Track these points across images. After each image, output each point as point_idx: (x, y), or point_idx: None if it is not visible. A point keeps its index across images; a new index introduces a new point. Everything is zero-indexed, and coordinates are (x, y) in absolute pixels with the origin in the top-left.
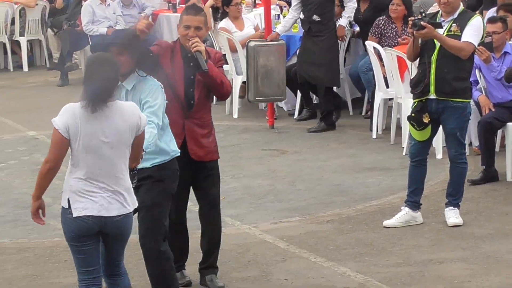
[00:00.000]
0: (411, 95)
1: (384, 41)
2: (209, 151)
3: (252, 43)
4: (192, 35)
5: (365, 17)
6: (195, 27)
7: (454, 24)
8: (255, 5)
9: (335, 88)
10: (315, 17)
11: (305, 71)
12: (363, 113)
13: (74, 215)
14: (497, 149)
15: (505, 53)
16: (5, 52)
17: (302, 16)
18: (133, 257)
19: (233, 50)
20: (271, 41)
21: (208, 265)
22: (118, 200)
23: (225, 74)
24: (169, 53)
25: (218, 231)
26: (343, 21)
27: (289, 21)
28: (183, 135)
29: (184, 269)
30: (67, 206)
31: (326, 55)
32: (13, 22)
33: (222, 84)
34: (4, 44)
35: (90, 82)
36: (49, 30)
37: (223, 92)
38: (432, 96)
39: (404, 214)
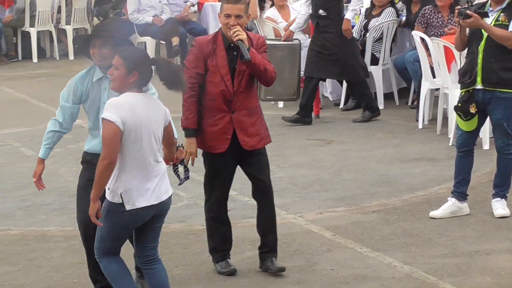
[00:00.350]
0: (458, 85)
1: (430, 30)
2: (261, 138)
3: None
4: (233, 24)
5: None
6: (236, 16)
7: (502, 14)
8: None
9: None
10: (320, 11)
11: (316, 66)
12: (409, 103)
13: (128, 208)
14: None
15: None
16: (51, 41)
17: (310, 11)
18: (178, 246)
19: None
20: (285, 40)
21: (268, 249)
22: (163, 184)
23: (268, 59)
24: (209, 48)
25: (272, 216)
26: (348, 15)
27: (301, 18)
28: (232, 129)
29: (229, 258)
30: (120, 201)
31: (337, 51)
32: (59, 11)
33: (266, 71)
34: (51, 33)
35: (173, 77)
36: (95, 18)
37: (267, 79)
38: (479, 86)
39: (451, 204)
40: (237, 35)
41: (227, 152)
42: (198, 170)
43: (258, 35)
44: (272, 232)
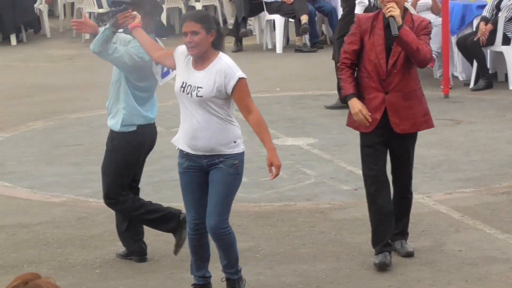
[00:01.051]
0: None
1: None
2: (415, 123)
3: None
4: (389, 0)
5: None
6: None
7: None
8: None
9: None
10: None
11: None
12: None
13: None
14: None
15: None
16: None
17: None
18: (304, 224)
19: None
20: None
21: (399, 231)
22: None
23: (428, 43)
24: (368, 25)
25: (409, 201)
26: (357, 9)
27: None
28: (382, 110)
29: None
30: (243, 149)
31: (336, 33)
32: None
33: (418, 51)
34: (180, 10)
35: None
36: None
37: (420, 59)
38: None
39: None
40: (389, 11)
41: (376, 132)
42: (324, 148)
43: (423, 17)
44: (406, 216)
